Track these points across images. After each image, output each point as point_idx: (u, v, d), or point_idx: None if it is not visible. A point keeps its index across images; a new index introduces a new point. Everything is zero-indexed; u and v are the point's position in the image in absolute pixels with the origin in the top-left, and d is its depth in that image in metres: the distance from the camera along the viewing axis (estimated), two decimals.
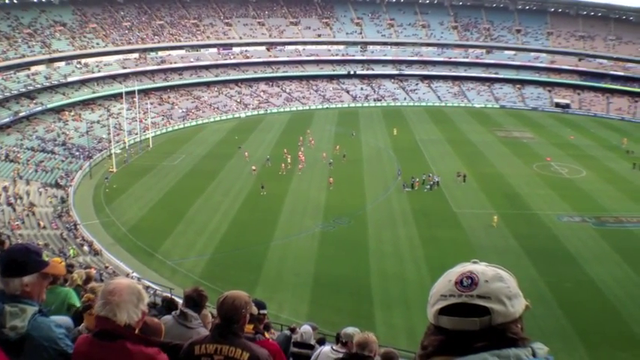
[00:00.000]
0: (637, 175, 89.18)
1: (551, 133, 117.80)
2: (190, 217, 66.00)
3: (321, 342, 15.76)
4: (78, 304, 9.20)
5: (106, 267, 51.61)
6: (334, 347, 10.97)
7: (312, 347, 13.40)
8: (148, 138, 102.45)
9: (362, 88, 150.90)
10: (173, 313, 8.07)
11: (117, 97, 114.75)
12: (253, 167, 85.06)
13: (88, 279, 12.62)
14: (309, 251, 57.58)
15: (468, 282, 2.66)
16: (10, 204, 67.52)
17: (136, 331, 4.56)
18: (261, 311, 8.73)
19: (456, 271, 2.75)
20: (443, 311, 2.66)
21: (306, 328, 14.38)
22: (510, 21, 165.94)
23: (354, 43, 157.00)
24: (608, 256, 58.68)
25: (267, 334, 9.15)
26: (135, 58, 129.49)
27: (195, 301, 8.23)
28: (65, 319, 6.91)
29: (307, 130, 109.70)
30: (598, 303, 49.26)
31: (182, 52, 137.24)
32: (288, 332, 17.32)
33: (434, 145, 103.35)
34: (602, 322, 46.43)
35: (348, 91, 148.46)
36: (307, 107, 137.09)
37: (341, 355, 9.71)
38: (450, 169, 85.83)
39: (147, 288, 37.62)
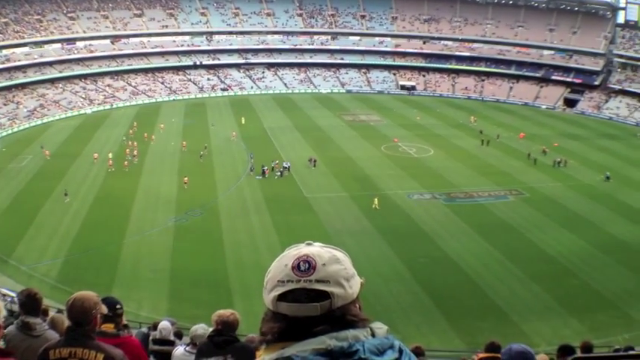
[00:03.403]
0: (485, 150, 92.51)
1: (397, 115, 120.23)
2: (41, 220, 63.10)
3: (178, 336, 15.62)
4: None
5: None
6: (187, 348, 10.83)
7: (172, 343, 13.22)
8: None
9: (208, 79, 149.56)
10: (15, 323, 7.72)
11: None
12: (95, 155, 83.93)
13: None
14: (163, 246, 56.50)
15: (306, 266, 2.63)
16: None
17: None
18: (117, 307, 8.56)
19: (291, 254, 2.71)
20: (281, 297, 2.63)
21: (164, 324, 14.14)
22: (355, 7, 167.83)
23: (200, 34, 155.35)
24: (461, 230, 60.64)
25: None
26: None
27: (32, 305, 7.75)
28: None
29: (134, 123, 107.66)
30: (455, 276, 50.78)
31: (26, 49, 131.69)
32: (145, 330, 17.06)
33: (282, 132, 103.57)
34: (461, 295, 47.90)
35: (194, 82, 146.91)
36: (154, 100, 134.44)
37: (193, 357, 9.62)
38: (300, 155, 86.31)
39: (4, 296, 36.57)
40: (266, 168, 78.13)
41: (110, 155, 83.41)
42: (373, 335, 2.64)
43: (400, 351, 2.65)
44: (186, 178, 73.53)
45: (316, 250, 2.71)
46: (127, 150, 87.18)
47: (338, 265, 2.67)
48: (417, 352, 15.59)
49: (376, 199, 66.79)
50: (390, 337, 2.67)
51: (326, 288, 2.60)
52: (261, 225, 61.50)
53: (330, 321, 2.59)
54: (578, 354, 12.63)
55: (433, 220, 63.34)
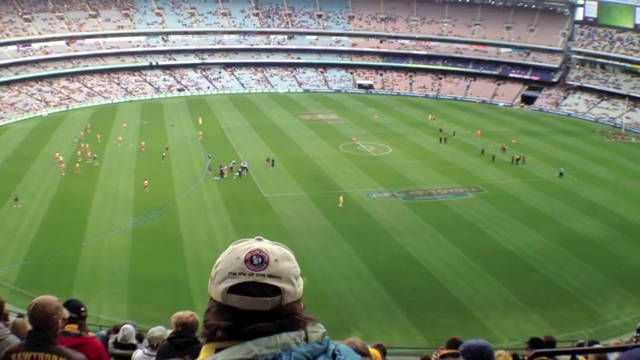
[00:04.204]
0: (444, 148, 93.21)
1: (355, 114, 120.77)
2: None
3: (140, 339, 15.43)
4: None
5: None
6: (146, 351, 10.70)
7: (133, 347, 13.05)
8: None
9: (165, 79, 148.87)
10: None
11: None
12: (57, 155, 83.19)
13: None
14: (122, 248, 55.97)
15: (259, 260, 2.63)
16: None
17: None
18: (82, 309, 8.52)
19: (242, 247, 2.70)
20: (232, 290, 2.61)
21: (127, 327, 13.98)
22: (311, 6, 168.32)
23: (156, 34, 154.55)
24: (420, 228, 61.01)
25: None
26: None
27: None
28: None
29: (88, 125, 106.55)
30: (416, 273, 51.12)
31: None
32: (104, 333, 16.82)
33: (240, 132, 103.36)
34: (422, 292, 48.22)
35: (150, 83, 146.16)
36: (110, 101, 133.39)
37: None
38: (258, 155, 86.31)
39: None
40: (224, 168, 77.85)
41: (61, 158, 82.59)
42: (307, 339, 2.64)
43: (334, 355, 2.64)
44: (146, 182, 72.68)
45: (268, 246, 2.72)
46: (79, 152, 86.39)
47: (289, 263, 2.70)
48: (380, 349, 15.58)
49: (341, 197, 67.09)
50: (324, 341, 2.67)
51: (277, 284, 2.61)
52: (221, 226, 61.29)
53: (277, 318, 2.60)
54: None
55: (393, 218, 63.60)
